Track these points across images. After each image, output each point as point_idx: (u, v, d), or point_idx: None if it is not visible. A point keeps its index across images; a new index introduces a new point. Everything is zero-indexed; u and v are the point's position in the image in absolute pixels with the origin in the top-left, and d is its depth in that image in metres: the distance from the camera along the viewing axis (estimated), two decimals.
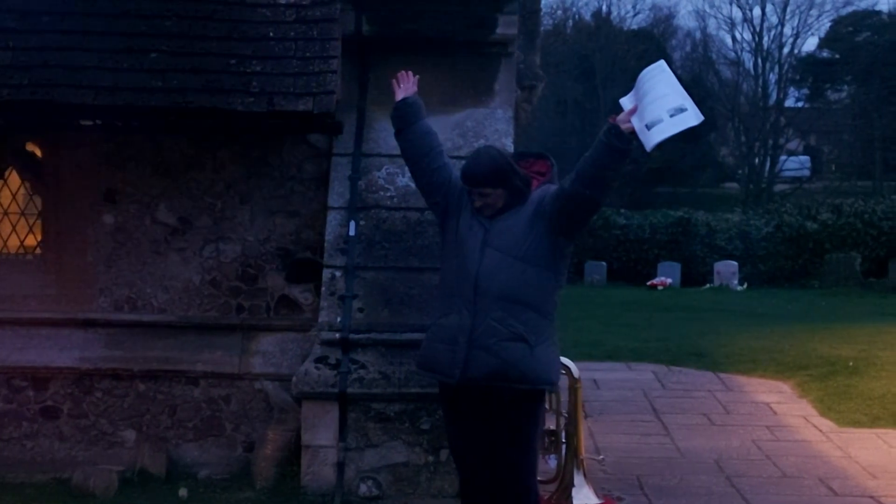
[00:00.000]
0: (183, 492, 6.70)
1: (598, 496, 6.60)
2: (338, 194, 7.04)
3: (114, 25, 6.81)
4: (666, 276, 25.93)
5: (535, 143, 32.02)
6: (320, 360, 6.66)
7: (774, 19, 47.82)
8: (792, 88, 49.15)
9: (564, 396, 6.63)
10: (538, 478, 5.44)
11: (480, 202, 5.12)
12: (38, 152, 7.36)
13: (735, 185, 47.53)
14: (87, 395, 7.16)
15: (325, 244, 6.95)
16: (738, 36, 61.33)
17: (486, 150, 5.37)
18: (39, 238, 7.41)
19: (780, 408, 10.00)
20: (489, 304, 5.01)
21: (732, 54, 49.50)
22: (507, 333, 5.00)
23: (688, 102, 4.92)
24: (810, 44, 56.73)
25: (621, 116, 4.99)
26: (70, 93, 6.55)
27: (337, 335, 6.69)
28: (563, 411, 6.62)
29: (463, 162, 5.36)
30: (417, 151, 5.46)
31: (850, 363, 12.11)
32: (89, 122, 6.74)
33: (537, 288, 5.08)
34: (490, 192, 5.11)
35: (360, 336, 6.68)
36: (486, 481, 5.16)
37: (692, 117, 4.90)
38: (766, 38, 47.31)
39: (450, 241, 5.24)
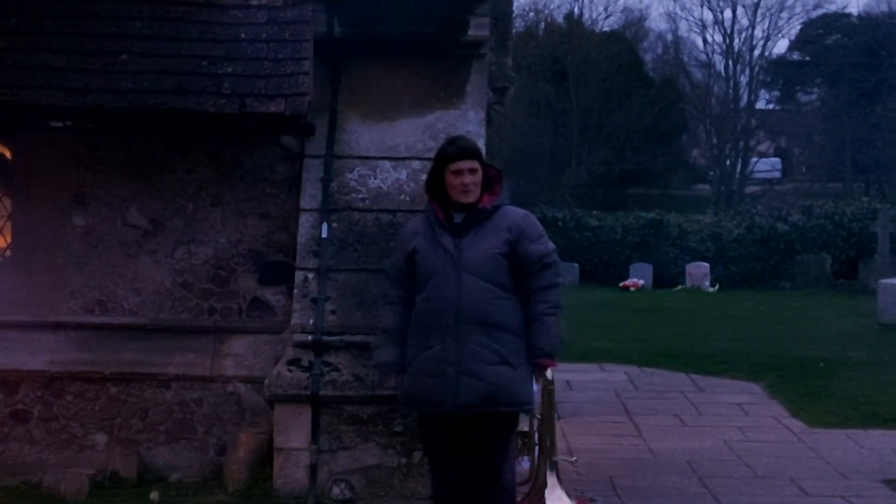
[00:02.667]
0: (154, 495, 6.67)
1: (571, 497, 6.60)
2: (310, 196, 7.02)
3: (84, 27, 6.77)
4: (638, 278, 26.00)
5: (508, 144, 32.06)
6: (293, 362, 6.64)
7: (745, 22, 48.13)
8: (763, 90, 49.40)
9: (537, 398, 6.63)
10: None
11: (469, 179, 5.14)
12: (8, 154, 7.31)
13: (706, 186, 47.70)
14: (57, 398, 7.11)
15: (298, 246, 6.94)
16: (709, 38, 61.31)
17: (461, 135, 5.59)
18: (9, 241, 7.34)
19: (752, 408, 10.05)
20: (470, 330, 5.06)
21: (704, 56, 49.66)
22: (492, 358, 5.07)
23: None
24: (781, 46, 57.14)
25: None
26: (39, 94, 6.51)
27: (309, 337, 6.67)
28: (536, 413, 6.62)
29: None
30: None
31: (821, 364, 12.20)
32: (59, 124, 6.70)
33: (512, 311, 5.16)
34: (477, 169, 5.17)
35: (333, 338, 6.67)
36: (467, 489, 5.20)
37: None
38: (737, 41, 47.51)
39: (419, 274, 5.22)
